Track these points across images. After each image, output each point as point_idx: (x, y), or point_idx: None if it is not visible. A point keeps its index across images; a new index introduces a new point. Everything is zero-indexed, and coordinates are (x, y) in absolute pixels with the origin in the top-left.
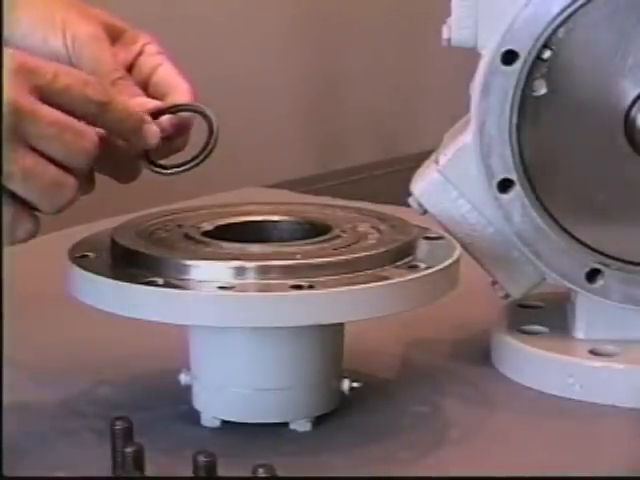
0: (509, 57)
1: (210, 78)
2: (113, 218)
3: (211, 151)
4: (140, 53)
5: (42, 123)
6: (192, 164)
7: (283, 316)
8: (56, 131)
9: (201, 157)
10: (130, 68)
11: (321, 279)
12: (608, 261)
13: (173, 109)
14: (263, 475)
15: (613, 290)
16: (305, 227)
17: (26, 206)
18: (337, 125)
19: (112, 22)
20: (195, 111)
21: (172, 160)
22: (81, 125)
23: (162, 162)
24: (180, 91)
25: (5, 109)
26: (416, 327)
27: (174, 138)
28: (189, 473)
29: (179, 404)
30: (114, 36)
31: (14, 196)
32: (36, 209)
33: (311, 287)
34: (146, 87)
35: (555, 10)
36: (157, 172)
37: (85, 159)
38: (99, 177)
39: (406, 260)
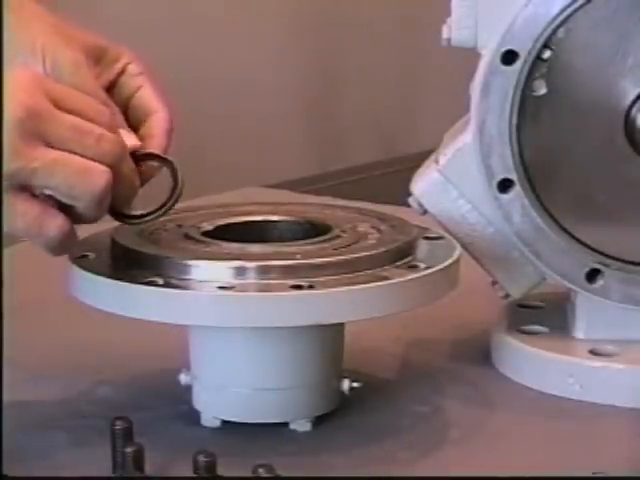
0: (509, 57)
1: (210, 79)
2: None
3: (174, 205)
4: (122, 72)
5: (62, 125)
6: (155, 215)
7: (283, 316)
8: (76, 134)
9: (164, 209)
10: (112, 87)
11: (321, 279)
12: (608, 261)
13: (145, 157)
14: (263, 475)
15: (613, 290)
16: (305, 227)
17: (54, 203)
18: (337, 125)
19: (94, 42)
20: (164, 162)
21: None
22: (101, 129)
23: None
24: (157, 119)
25: (23, 113)
26: (416, 327)
27: None
28: (189, 473)
29: (179, 404)
30: (97, 56)
31: (38, 196)
32: (76, 214)
33: (311, 287)
34: (125, 109)
35: (555, 10)
36: (121, 221)
37: (111, 158)
38: None
39: (406, 260)
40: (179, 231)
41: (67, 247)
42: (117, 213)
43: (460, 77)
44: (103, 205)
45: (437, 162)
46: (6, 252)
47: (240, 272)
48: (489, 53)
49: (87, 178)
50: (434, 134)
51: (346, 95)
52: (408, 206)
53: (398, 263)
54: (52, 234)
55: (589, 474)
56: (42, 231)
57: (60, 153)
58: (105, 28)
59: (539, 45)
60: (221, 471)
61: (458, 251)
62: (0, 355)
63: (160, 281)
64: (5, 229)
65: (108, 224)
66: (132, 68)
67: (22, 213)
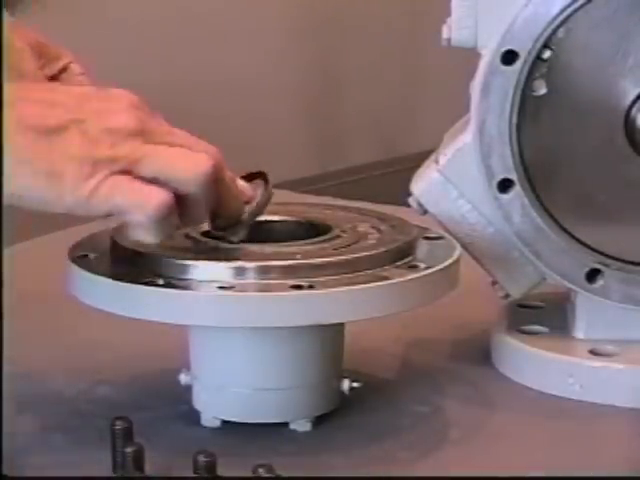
0: (509, 57)
1: (210, 79)
2: (113, 218)
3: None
4: (64, 69)
5: (163, 131)
6: (247, 223)
7: (283, 316)
8: (179, 139)
9: (255, 213)
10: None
11: (321, 279)
12: (608, 261)
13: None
14: (263, 475)
15: (613, 290)
16: (305, 227)
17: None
18: (337, 125)
19: (36, 38)
20: (259, 177)
21: None
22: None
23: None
24: None
25: (134, 123)
26: (416, 327)
27: None
28: (189, 473)
29: (179, 404)
30: (38, 51)
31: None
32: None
33: (311, 287)
34: None
35: (555, 10)
36: (226, 241)
37: (213, 154)
38: None
39: (406, 260)
40: (179, 231)
41: (167, 227)
42: (220, 228)
43: (460, 77)
44: (211, 191)
45: (437, 162)
46: (6, 252)
47: (240, 272)
48: (489, 53)
49: (192, 159)
50: (434, 134)
51: (346, 95)
52: (408, 206)
53: (398, 263)
54: (153, 204)
55: (589, 474)
56: (142, 202)
57: (165, 145)
58: (107, 28)
59: (539, 45)
60: (221, 471)
61: (458, 251)
62: (0, 355)
63: (160, 281)
64: (101, 210)
65: (108, 224)
66: (75, 67)
67: (121, 189)
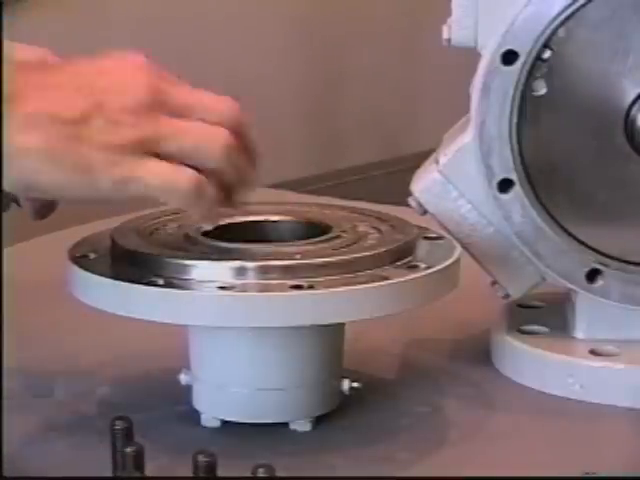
0: (509, 57)
1: (210, 78)
2: (113, 218)
3: None
4: None
5: (180, 95)
6: None
7: (283, 316)
8: (194, 100)
9: None
10: None
11: (321, 279)
12: (608, 261)
13: None
14: (263, 475)
15: (613, 290)
16: (305, 227)
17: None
18: (337, 125)
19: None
20: None
21: None
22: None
23: None
24: None
25: (145, 91)
26: (416, 327)
27: None
28: (189, 473)
29: (179, 404)
30: None
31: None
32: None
33: (311, 287)
34: None
35: (555, 10)
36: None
37: (233, 118)
38: None
39: (406, 260)
40: (179, 231)
41: (205, 203)
42: None
43: (460, 77)
44: (238, 164)
45: (437, 162)
46: (6, 252)
47: (240, 272)
48: (489, 53)
49: (212, 135)
50: (434, 134)
51: (347, 95)
52: (408, 206)
53: (398, 263)
54: (185, 185)
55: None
56: (176, 183)
57: (184, 122)
58: (109, 27)
59: (539, 45)
60: (221, 471)
61: (458, 251)
62: (0, 355)
63: (160, 281)
64: (140, 192)
65: (108, 224)
66: None
67: (155, 172)
